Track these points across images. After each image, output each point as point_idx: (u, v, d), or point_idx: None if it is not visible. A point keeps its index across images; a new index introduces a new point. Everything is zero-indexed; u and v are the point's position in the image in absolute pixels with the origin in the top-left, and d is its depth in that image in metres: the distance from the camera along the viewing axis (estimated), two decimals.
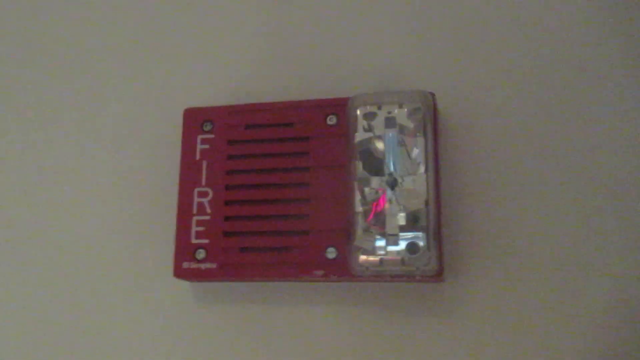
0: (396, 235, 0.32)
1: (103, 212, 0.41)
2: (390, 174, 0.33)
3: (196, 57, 0.42)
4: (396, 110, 0.34)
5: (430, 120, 0.34)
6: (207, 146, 0.37)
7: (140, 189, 0.41)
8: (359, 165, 0.33)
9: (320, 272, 0.34)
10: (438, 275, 0.33)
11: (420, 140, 0.33)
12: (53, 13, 0.46)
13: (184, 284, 0.38)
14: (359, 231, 0.32)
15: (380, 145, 0.34)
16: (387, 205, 0.32)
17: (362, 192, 0.33)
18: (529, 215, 0.35)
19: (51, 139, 0.43)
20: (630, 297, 0.32)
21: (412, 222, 0.32)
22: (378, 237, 0.32)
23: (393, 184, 0.33)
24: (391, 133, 0.33)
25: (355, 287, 0.36)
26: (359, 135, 0.34)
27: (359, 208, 0.32)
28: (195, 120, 0.38)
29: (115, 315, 0.39)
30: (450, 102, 0.37)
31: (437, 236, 0.32)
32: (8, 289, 0.41)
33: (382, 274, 0.33)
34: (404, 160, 0.33)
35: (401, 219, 0.32)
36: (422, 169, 0.33)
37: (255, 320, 0.37)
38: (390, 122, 0.34)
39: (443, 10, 0.39)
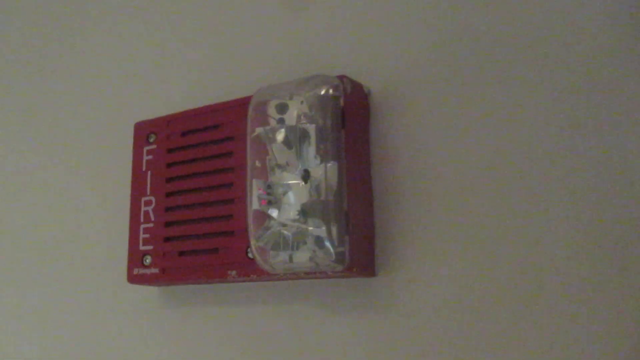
0: (300, 229, 0.31)
1: (65, 220, 0.45)
2: (289, 167, 0.31)
3: (145, 70, 0.44)
4: (298, 100, 0.32)
5: (336, 106, 0.32)
6: (151, 157, 0.39)
7: (94, 200, 0.44)
8: (255, 162, 0.32)
9: (234, 273, 0.34)
10: (349, 269, 0.31)
11: (320, 128, 0.31)
12: (11, 28, 0.52)
13: (143, 289, 0.40)
14: (257, 230, 0.31)
15: (280, 137, 0.32)
16: (288, 199, 0.31)
17: (261, 188, 0.32)
18: (462, 207, 0.31)
19: (10, 152, 0.49)
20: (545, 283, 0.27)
21: (311, 215, 0.30)
22: (283, 233, 0.31)
23: (295, 177, 0.31)
24: (292, 124, 0.32)
25: (288, 285, 0.35)
26: (258, 130, 0.32)
27: (257, 205, 0.31)
28: (142, 133, 0.40)
29: (77, 319, 0.43)
30: (380, 90, 0.34)
31: (345, 230, 0.30)
32: None
33: (293, 271, 0.32)
34: (306, 151, 0.31)
35: (298, 212, 0.30)
36: (317, 161, 0.31)
37: (196, 321, 0.38)
38: (291, 112, 0.32)
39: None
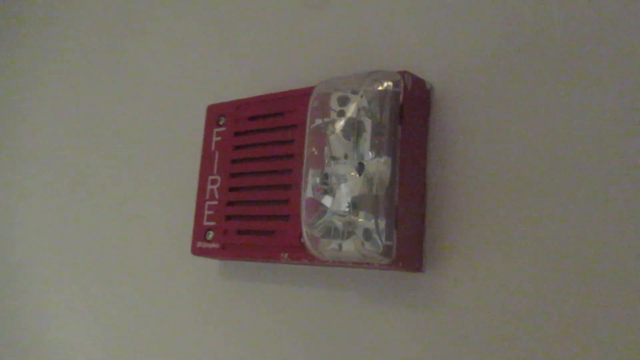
0: (351, 221, 0.32)
1: (136, 195, 0.49)
2: (345, 159, 0.32)
3: (215, 57, 0.47)
4: (359, 94, 0.33)
5: (396, 102, 0.32)
6: (219, 138, 0.41)
7: (165, 177, 0.47)
8: (312, 151, 0.33)
9: (286, 255, 0.35)
10: (396, 264, 0.31)
11: (378, 123, 0.32)
12: (80, 14, 0.55)
13: (205, 261, 0.43)
14: (309, 218, 0.32)
15: (339, 129, 0.33)
16: (342, 191, 0.32)
17: (315, 177, 0.33)
18: (518, 205, 0.30)
19: (90, 136, 0.53)
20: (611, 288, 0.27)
21: (362, 208, 0.31)
22: (334, 222, 0.32)
23: (349, 169, 0.32)
24: (351, 117, 0.33)
25: (336, 271, 0.36)
26: (318, 120, 0.34)
27: (310, 193, 0.33)
28: (214, 115, 0.42)
29: (143, 289, 0.46)
30: (443, 86, 0.34)
31: (394, 224, 0.31)
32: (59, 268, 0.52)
33: (342, 259, 0.33)
34: (362, 145, 0.32)
35: (349, 204, 0.31)
36: (373, 154, 0.31)
37: (255, 298, 0.40)
38: (351, 106, 0.33)
39: None
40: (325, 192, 0.32)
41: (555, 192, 0.29)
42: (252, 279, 0.40)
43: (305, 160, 0.33)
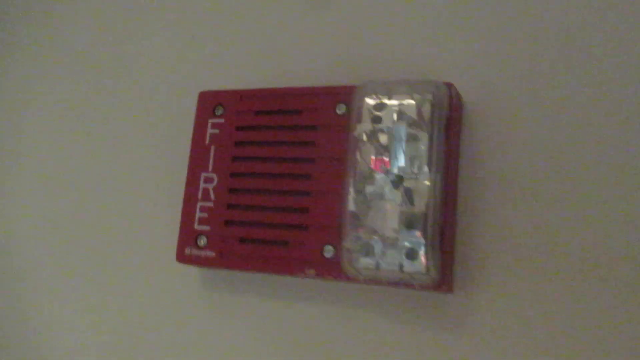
0: (393, 238, 0.29)
1: (111, 195, 0.42)
2: (391, 172, 0.30)
3: (211, 40, 0.41)
4: (406, 102, 0.31)
5: (443, 114, 0.30)
6: (216, 131, 0.37)
7: (151, 171, 0.41)
8: (358, 159, 0.31)
9: (312, 272, 0.32)
10: (438, 285, 0.30)
11: (425, 135, 0.30)
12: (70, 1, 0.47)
13: (189, 268, 0.38)
14: (350, 232, 0.30)
15: (383, 139, 0.31)
16: (385, 206, 0.29)
17: (358, 189, 0.30)
18: (548, 225, 0.30)
19: (67, 126, 0.45)
20: None
21: (408, 226, 0.29)
22: (374, 238, 0.30)
23: (395, 183, 0.30)
24: (397, 127, 0.30)
25: (357, 288, 0.34)
26: (361, 127, 0.31)
27: (352, 207, 0.30)
28: (208, 103, 0.37)
29: (120, 297, 0.40)
30: (475, 97, 0.33)
31: (439, 244, 0.29)
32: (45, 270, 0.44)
33: (377, 279, 0.30)
34: (408, 157, 0.30)
35: (395, 221, 0.29)
36: (426, 168, 0.29)
37: (250, 312, 0.36)
38: (397, 114, 0.31)
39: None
40: (369, 207, 0.30)
41: (594, 207, 0.30)
42: (247, 291, 0.36)
43: (346, 170, 0.30)
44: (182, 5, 0.43)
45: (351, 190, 0.30)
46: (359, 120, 0.31)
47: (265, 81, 0.39)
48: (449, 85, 0.31)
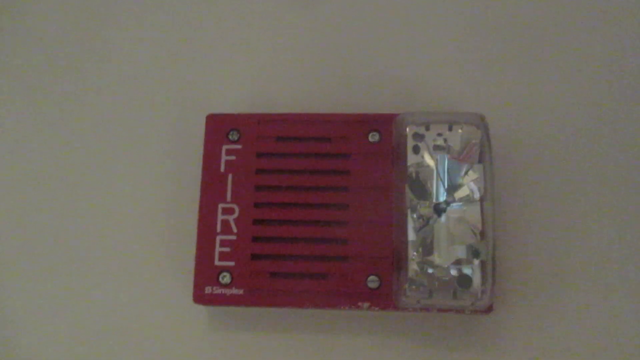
0: (455, 268, 0.30)
1: (115, 226, 0.36)
2: (441, 202, 0.31)
3: (224, 59, 0.38)
4: (448, 132, 0.32)
5: (486, 144, 0.32)
6: (233, 157, 0.34)
7: (157, 201, 0.36)
8: (408, 190, 0.31)
9: (365, 305, 0.31)
10: (489, 309, 0.31)
11: (477, 165, 0.31)
12: (74, 11, 0.40)
13: (201, 309, 0.34)
14: (414, 263, 0.30)
15: (431, 168, 0.31)
16: (448, 235, 0.30)
17: (415, 220, 0.30)
18: (584, 244, 0.33)
19: (68, 149, 0.38)
20: None
21: (472, 255, 0.30)
22: (431, 269, 0.30)
23: (441, 212, 0.31)
24: (444, 156, 0.31)
25: (394, 316, 0.34)
26: (412, 158, 0.31)
27: (413, 236, 0.30)
28: (220, 128, 0.34)
29: (129, 344, 0.34)
30: (500, 126, 0.35)
31: (492, 270, 0.30)
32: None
33: (430, 307, 0.31)
34: (456, 186, 0.31)
35: (460, 251, 0.30)
36: (477, 196, 0.31)
37: (285, 348, 0.34)
38: (442, 144, 0.31)
39: (505, 29, 0.37)
40: (429, 236, 0.30)
41: (631, 224, 0.33)
42: (276, 328, 0.34)
43: (404, 200, 0.30)
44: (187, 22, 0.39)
45: (409, 219, 0.30)
46: (404, 151, 0.31)
47: (265, 106, 0.37)
48: (482, 117, 0.33)
